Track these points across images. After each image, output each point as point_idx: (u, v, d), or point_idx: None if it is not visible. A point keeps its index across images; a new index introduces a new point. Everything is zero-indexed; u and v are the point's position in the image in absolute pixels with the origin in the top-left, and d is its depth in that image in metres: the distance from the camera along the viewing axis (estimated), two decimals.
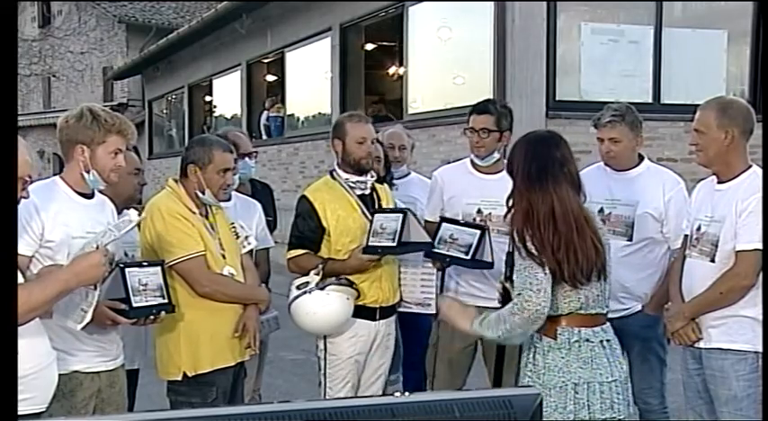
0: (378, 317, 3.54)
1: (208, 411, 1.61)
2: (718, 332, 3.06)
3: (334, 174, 3.61)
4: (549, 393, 2.64)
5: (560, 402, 2.65)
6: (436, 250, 3.51)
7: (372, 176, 3.61)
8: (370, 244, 3.42)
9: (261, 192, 4.31)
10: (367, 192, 3.58)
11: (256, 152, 4.24)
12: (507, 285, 2.86)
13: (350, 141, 3.51)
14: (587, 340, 2.71)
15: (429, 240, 3.51)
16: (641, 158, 3.73)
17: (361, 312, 3.47)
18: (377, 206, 3.58)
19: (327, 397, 3.44)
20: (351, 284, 3.41)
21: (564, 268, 2.65)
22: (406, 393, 1.46)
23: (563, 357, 2.70)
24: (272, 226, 4.25)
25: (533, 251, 2.66)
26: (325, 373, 3.54)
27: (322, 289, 3.35)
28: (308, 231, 3.51)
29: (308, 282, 3.38)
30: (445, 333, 3.73)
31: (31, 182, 2.42)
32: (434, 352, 3.80)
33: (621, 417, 2.73)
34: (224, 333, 3.25)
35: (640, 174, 3.69)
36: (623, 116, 3.62)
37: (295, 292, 3.38)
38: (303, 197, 3.59)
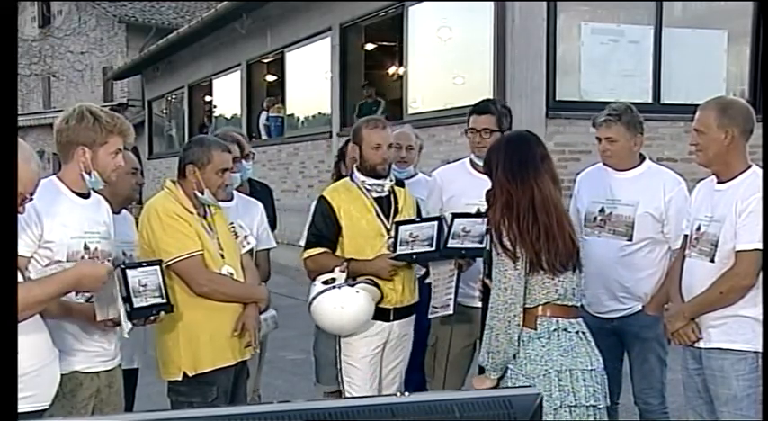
0: (392, 317, 3.54)
1: (207, 411, 1.61)
2: (717, 332, 3.06)
3: (353, 176, 3.61)
4: (533, 382, 2.68)
5: (545, 389, 2.68)
6: (450, 245, 3.46)
7: (391, 180, 3.60)
8: (400, 252, 3.41)
9: (260, 192, 4.29)
10: (384, 194, 3.57)
11: (253, 154, 4.22)
12: (488, 282, 2.88)
13: (366, 147, 3.52)
14: (565, 330, 2.76)
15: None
16: (642, 158, 3.73)
17: (376, 313, 3.45)
18: (393, 209, 3.57)
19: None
20: (377, 286, 3.41)
21: (542, 256, 2.70)
22: (406, 393, 1.47)
23: (543, 346, 2.73)
24: (271, 226, 4.24)
25: (508, 245, 2.69)
26: (341, 377, 3.55)
27: (351, 286, 3.35)
28: (326, 230, 3.52)
29: (334, 279, 3.36)
30: (444, 333, 3.73)
31: (31, 198, 2.43)
32: (433, 352, 3.80)
33: (601, 406, 2.77)
34: (224, 332, 3.25)
35: (641, 174, 3.68)
36: (620, 116, 3.62)
37: (321, 287, 3.36)
38: (321, 197, 3.62)
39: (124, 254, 3.27)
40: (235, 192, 3.86)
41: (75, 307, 2.75)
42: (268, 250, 3.95)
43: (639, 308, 3.62)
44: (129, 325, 2.73)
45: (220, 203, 3.56)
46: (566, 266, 2.75)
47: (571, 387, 2.71)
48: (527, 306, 2.73)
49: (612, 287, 3.64)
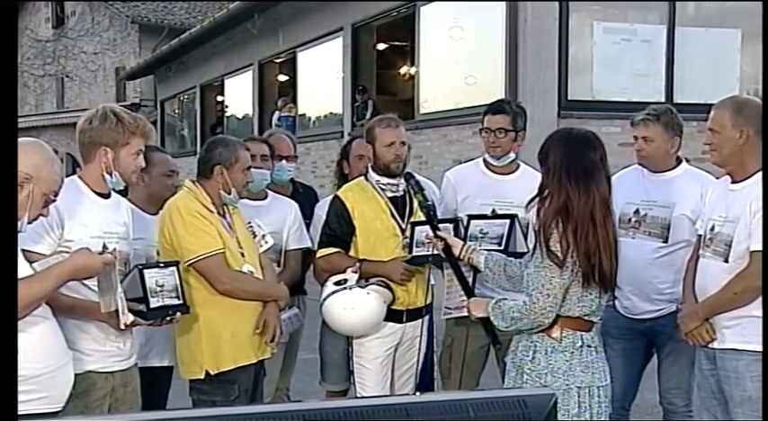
0: (405, 319, 3.54)
1: (208, 411, 1.62)
2: (732, 332, 3.05)
3: (368, 175, 3.62)
4: None
5: (564, 404, 2.68)
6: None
7: (406, 180, 3.58)
8: (415, 254, 3.41)
9: (302, 194, 4.27)
10: (399, 194, 3.57)
11: (296, 156, 4.24)
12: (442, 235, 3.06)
13: (379, 145, 3.53)
14: (588, 346, 2.76)
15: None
16: (679, 161, 3.70)
17: (388, 314, 3.46)
18: (408, 210, 3.57)
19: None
20: (389, 288, 3.42)
21: (601, 271, 2.65)
22: (417, 393, 1.47)
23: (567, 360, 2.73)
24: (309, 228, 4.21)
25: (558, 251, 2.64)
26: (353, 379, 3.56)
27: (363, 287, 3.35)
28: (340, 230, 3.53)
29: (346, 280, 3.37)
30: (459, 334, 3.72)
31: (54, 199, 2.46)
32: (449, 353, 3.79)
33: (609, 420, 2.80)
34: (245, 330, 3.26)
35: (678, 176, 3.66)
36: (658, 116, 3.61)
37: (332, 288, 3.37)
38: (336, 197, 3.63)
39: (158, 253, 3.30)
40: (270, 192, 3.88)
41: (81, 304, 2.75)
42: (300, 250, 3.93)
43: (674, 308, 3.53)
44: (130, 317, 2.73)
45: (254, 202, 3.66)
46: (614, 285, 2.74)
47: (588, 404, 2.72)
48: (557, 313, 2.71)
49: (646, 289, 3.61)
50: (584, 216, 2.64)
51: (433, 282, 3.63)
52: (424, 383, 3.92)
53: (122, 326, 2.74)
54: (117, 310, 2.69)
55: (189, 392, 3.32)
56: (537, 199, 2.76)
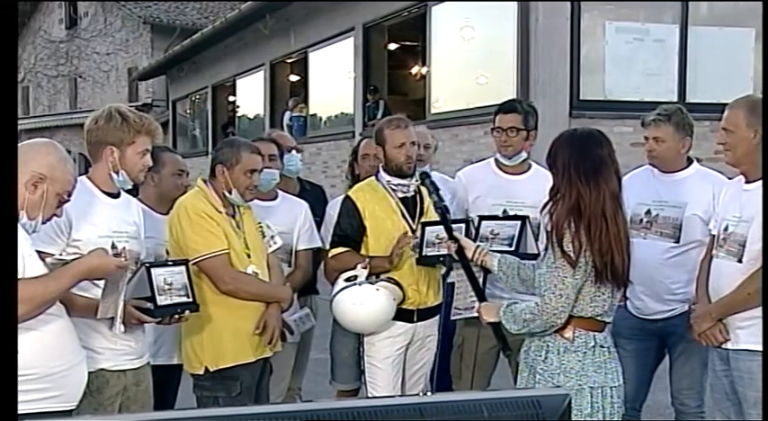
0: (415, 319, 3.54)
1: (218, 411, 1.62)
2: (746, 333, 3.04)
3: (378, 176, 3.62)
4: None
5: (577, 404, 2.67)
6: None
7: (417, 180, 3.58)
8: (426, 254, 3.41)
9: (309, 192, 4.30)
10: (410, 194, 3.57)
11: (301, 149, 4.27)
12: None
13: (389, 147, 3.53)
14: (601, 346, 2.75)
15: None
16: (690, 161, 3.69)
17: (399, 314, 3.46)
18: (419, 210, 3.57)
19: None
20: (398, 285, 3.42)
21: (614, 268, 2.65)
22: (428, 393, 1.47)
23: (579, 361, 2.72)
24: (319, 226, 4.23)
25: (570, 251, 2.64)
26: (364, 378, 3.57)
27: (372, 283, 3.36)
28: (351, 230, 3.54)
29: (356, 276, 3.39)
30: (470, 334, 3.71)
31: (68, 199, 2.48)
32: (460, 353, 3.79)
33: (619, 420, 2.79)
34: (246, 330, 3.29)
35: (689, 176, 3.64)
36: (669, 116, 3.60)
37: (342, 284, 3.39)
38: (347, 197, 3.64)
39: (167, 252, 3.32)
40: (280, 192, 3.89)
41: (79, 302, 2.74)
42: (311, 250, 3.95)
43: (686, 308, 3.52)
44: (122, 327, 2.72)
45: (264, 202, 3.66)
46: (627, 282, 2.73)
47: (601, 404, 2.71)
48: (570, 313, 2.71)
49: (658, 289, 3.59)
50: (596, 213, 2.65)
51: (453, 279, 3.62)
52: (443, 382, 3.92)
53: (116, 332, 2.74)
54: (113, 316, 2.70)
55: (192, 389, 3.35)
56: (550, 202, 2.76)
